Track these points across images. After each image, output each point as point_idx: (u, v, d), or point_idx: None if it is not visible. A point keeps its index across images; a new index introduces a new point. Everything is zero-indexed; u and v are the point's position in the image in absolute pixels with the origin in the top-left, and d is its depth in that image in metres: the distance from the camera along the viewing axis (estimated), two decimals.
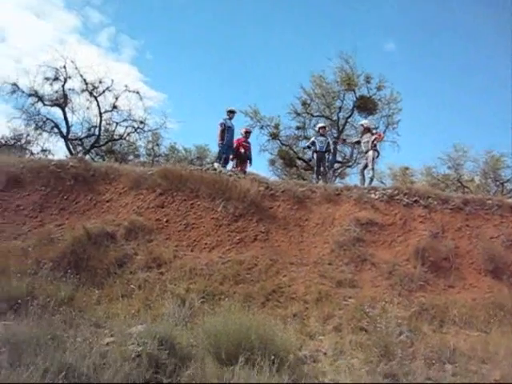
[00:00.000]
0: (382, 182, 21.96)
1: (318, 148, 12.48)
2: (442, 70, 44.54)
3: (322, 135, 12.88)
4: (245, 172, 11.67)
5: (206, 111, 45.48)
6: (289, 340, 5.55)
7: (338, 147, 20.07)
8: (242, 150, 12.59)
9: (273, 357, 4.50)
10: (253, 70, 49.66)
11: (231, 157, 12.55)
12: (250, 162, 12.88)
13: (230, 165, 12.59)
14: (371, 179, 11.86)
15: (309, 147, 12.87)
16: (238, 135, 12.79)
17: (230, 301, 6.83)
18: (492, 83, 44.30)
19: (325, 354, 6.02)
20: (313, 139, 12.90)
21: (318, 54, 47.20)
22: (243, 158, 12.68)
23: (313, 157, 12.87)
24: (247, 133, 13.25)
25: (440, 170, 22.93)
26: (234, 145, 12.57)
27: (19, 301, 5.76)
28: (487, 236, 9.28)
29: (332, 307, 7.35)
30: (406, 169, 24.70)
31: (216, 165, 11.66)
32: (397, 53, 44.02)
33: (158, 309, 6.74)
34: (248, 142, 13.04)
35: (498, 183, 21.42)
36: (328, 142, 12.87)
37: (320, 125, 13.76)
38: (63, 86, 20.39)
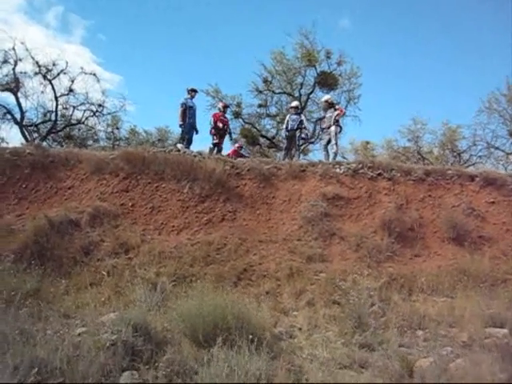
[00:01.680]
0: (344, 157, 22.23)
1: (289, 127, 12.46)
2: (399, 44, 45.01)
3: (296, 114, 12.73)
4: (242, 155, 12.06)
5: (165, 92, 44.55)
6: (264, 318, 5.56)
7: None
8: (221, 125, 12.53)
9: (251, 336, 4.48)
10: (213, 48, 48.78)
11: (213, 131, 12.48)
12: (230, 136, 13.21)
13: (208, 140, 12.66)
14: (335, 154, 11.92)
15: (286, 128, 12.74)
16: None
17: (201, 282, 6.78)
18: (449, 53, 45.14)
19: (300, 329, 6.08)
20: (287, 118, 12.79)
21: (278, 30, 46.72)
22: (222, 133, 12.67)
23: (285, 135, 12.79)
24: (225, 107, 13.50)
25: (400, 142, 23.41)
26: (211, 120, 12.54)
27: None
28: (449, 205, 9.52)
29: (304, 282, 7.42)
30: (367, 143, 25.09)
31: (179, 146, 11.44)
32: (351, 28, 44.06)
33: (128, 295, 6.57)
34: (225, 117, 13.17)
35: (455, 154, 22.06)
36: (301, 120, 12.68)
37: (294, 103, 13.52)
38: (14, 69, 19.52)
